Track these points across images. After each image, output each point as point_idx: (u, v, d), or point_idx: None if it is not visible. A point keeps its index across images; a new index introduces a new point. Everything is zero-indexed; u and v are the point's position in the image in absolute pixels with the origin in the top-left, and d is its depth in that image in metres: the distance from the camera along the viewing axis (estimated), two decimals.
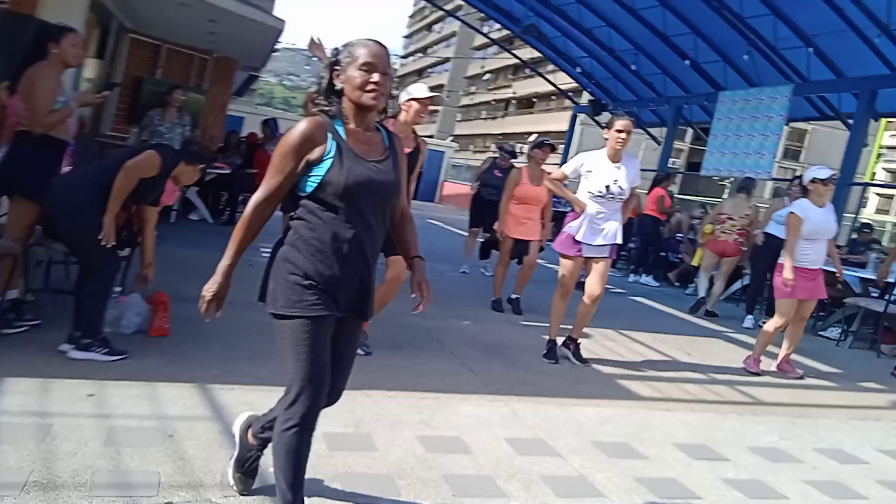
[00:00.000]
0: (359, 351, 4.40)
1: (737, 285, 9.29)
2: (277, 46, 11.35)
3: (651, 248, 10.61)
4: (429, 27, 68.99)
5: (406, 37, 78.89)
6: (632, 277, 10.66)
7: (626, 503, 2.89)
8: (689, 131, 25.14)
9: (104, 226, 3.59)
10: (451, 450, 3.16)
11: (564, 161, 19.58)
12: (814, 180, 5.33)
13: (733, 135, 11.98)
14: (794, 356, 5.79)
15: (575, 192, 4.94)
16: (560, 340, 5.10)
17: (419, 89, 4.33)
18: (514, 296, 6.68)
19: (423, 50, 69.44)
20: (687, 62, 12.82)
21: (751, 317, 7.88)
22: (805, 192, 5.45)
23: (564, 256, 4.95)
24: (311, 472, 2.68)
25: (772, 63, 11.36)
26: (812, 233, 5.27)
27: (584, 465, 3.20)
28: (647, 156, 26.90)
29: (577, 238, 4.82)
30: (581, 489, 2.95)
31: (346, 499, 2.60)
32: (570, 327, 5.14)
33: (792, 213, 5.34)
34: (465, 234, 8.82)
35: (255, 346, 4.26)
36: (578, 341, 5.12)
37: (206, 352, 4.05)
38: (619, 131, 4.72)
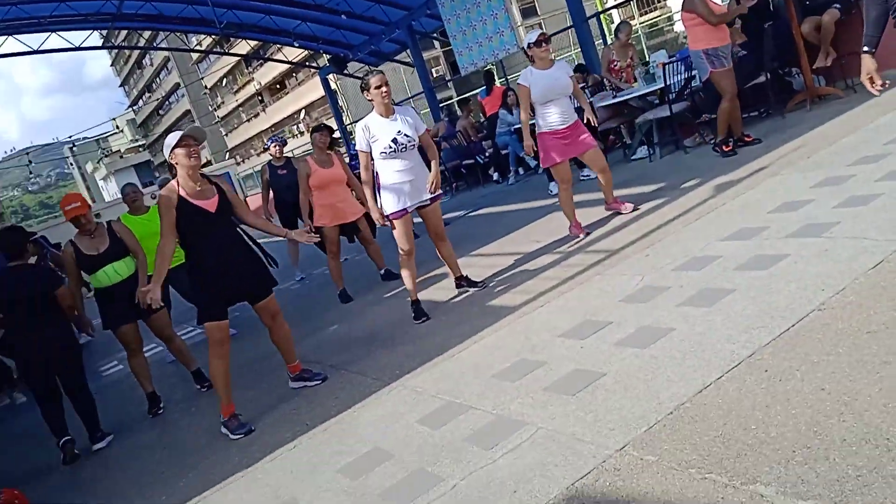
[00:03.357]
0: (308, 384, 4.44)
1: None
2: None
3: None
4: (138, 64, 64.47)
5: (122, 85, 73.06)
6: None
7: (546, 418, 2.88)
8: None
9: None
10: (376, 463, 3.06)
11: (339, 120, 19.46)
12: (529, 46, 5.60)
13: (468, 28, 12.24)
14: (620, 192, 6.12)
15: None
16: (421, 298, 5.11)
17: (173, 138, 4.02)
18: (382, 271, 6.77)
19: (148, 88, 65.03)
20: None
21: (553, 182, 8.11)
22: (532, 61, 5.67)
23: (395, 219, 4.90)
24: None
25: None
26: (543, 95, 5.54)
27: (497, 404, 3.19)
28: (410, 80, 27.19)
29: (400, 209, 4.85)
30: (503, 429, 2.92)
31: None
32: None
33: (518, 84, 5.67)
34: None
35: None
36: (463, 274, 5.33)
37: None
38: (379, 87, 4.75)
